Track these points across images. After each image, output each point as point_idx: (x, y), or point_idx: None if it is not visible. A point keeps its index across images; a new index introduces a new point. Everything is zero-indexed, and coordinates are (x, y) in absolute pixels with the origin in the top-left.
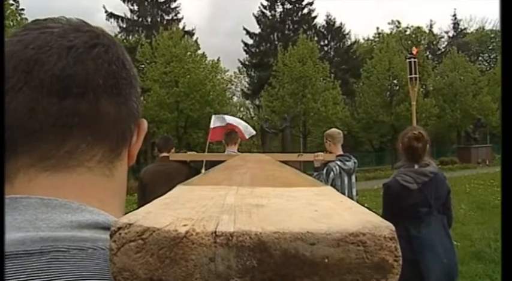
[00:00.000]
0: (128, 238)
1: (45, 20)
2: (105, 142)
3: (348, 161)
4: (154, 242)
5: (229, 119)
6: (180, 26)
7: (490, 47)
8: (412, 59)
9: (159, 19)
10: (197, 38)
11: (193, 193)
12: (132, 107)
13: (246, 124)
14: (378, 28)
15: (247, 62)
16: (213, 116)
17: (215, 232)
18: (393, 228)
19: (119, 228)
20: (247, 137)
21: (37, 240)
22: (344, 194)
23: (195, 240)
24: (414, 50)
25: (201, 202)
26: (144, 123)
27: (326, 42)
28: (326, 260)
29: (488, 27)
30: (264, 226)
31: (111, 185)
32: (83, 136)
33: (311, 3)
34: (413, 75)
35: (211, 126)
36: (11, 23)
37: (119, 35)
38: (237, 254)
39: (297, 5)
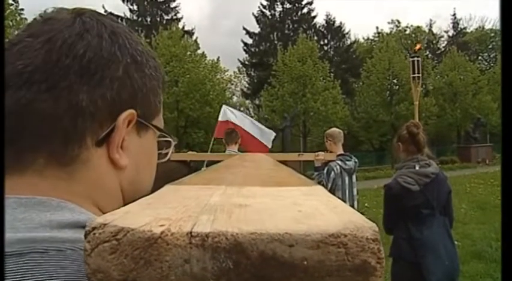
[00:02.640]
0: (102, 238)
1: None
2: (44, 144)
3: (348, 160)
4: (128, 242)
5: (236, 119)
6: (180, 25)
7: (490, 47)
8: (415, 58)
9: (158, 19)
10: (197, 38)
11: (179, 192)
12: (79, 100)
13: (261, 129)
14: (377, 27)
15: (246, 62)
16: (224, 108)
17: (191, 232)
18: (376, 229)
19: (94, 228)
20: (269, 146)
21: (14, 242)
22: (345, 194)
23: (170, 241)
24: (417, 46)
25: (185, 201)
26: (121, 116)
27: (326, 41)
28: (305, 263)
29: (488, 26)
30: (241, 226)
31: (75, 188)
32: (15, 138)
33: (310, 3)
34: (416, 75)
35: (219, 119)
36: (11, 23)
37: None
38: (213, 255)
39: (297, 5)
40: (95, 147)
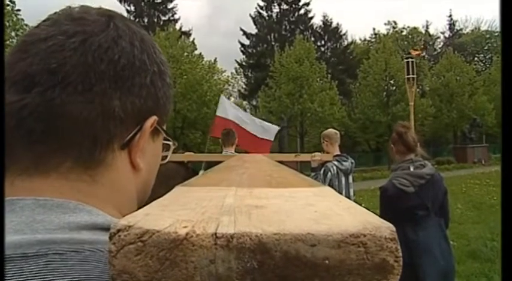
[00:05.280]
0: (127, 240)
1: (55, 13)
2: (73, 146)
3: (345, 161)
4: (154, 244)
5: (236, 117)
6: (177, 26)
7: (486, 48)
8: (410, 59)
9: (155, 20)
10: (194, 39)
11: (191, 194)
12: (113, 105)
13: (262, 125)
14: (374, 29)
15: (244, 63)
16: (224, 101)
17: (215, 233)
18: (393, 229)
19: (119, 230)
20: (271, 139)
21: (34, 243)
22: (341, 194)
23: (196, 242)
24: (415, 52)
25: (200, 203)
26: (148, 122)
27: (323, 42)
28: (327, 262)
29: (483, 28)
30: (264, 227)
31: (97, 191)
32: (41, 140)
33: (308, 4)
34: (410, 76)
35: (218, 113)
36: (7, 23)
37: None
38: (238, 255)
39: (294, 6)
40: (119, 150)
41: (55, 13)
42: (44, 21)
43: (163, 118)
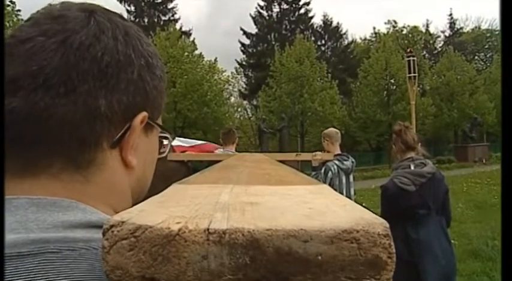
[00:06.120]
0: (120, 235)
1: (36, 12)
2: (61, 148)
3: (346, 160)
4: (147, 239)
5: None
6: (177, 26)
7: (486, 47)
8: (411, 58)
9: (156, 20)
10: (194, 39)
11: (187, 191)
12: (98, 104)
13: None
14: (374, 28)
15: (244, 62)
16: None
17: (208, 229)
18: (387, 225)
19: (112, 226)
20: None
21: (28, 242)
22: (342, 193)
23: (188, 238)
24: (409, 51)
25: (195, 200)
26: (137, 119)
27: (323, 42)
28: (319, 258)
29: (484, 26)
30: (257, 223)
31: (90, 190)
32: (30, 143)
33: (308, 3)
34: (412, 74)
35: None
36: (8, 24)
37: None
38: (230, 251)
39: (294, 5)
40: (110, 149)
41: (37, 12)
42: (26, 21)
43: (155, 112)
